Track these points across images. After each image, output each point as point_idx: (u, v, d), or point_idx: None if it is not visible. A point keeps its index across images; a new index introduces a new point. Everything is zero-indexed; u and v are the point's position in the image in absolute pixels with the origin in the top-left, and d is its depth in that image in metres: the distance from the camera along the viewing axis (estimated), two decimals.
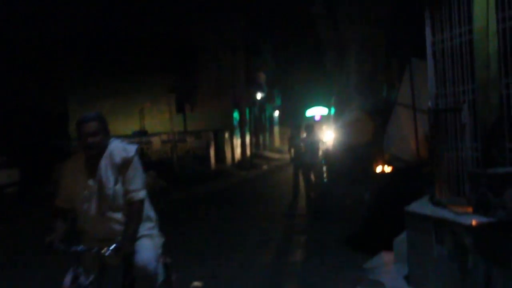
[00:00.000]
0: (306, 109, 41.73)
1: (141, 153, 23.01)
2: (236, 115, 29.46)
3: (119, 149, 3.55)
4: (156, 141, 24.14)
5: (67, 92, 24.70)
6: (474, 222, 3.85)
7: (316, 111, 41.23)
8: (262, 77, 35.09)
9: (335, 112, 11.73)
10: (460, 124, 4.28)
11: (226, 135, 27.02)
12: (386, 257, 6.29)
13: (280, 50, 35.99)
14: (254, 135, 34.06)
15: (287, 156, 34.10)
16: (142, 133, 24.74)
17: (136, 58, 24.56)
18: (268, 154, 35.20)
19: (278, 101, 42.82)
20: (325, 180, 11.71)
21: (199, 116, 26.65)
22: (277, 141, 43.32)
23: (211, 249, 8.59)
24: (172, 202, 16.00)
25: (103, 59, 24.75)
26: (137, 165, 3.58)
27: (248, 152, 30.56)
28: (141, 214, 3.57)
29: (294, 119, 39.58)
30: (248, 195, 16.83)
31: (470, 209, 4.19)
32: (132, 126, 25.30)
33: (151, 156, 23.69)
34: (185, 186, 19.44)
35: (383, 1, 9.50)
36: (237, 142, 29.24)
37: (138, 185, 3.55)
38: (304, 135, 12.78)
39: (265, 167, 28.00)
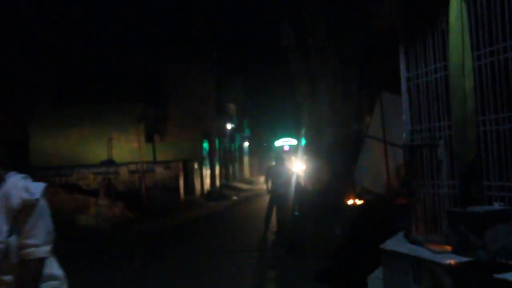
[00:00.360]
0: (275, 139, 42.32)
1: (108, 184, 22.55)
2: (205, 145, 29.26)
3: (19, 188, 2.62)
4: (124, 171, 23.68)
5: (29, 118, 24.15)
6: (453, 262, 3.74)
7: (284, 142, 41.84)
8: (232, 107, 35.14)
9: (306, 144, 11.68)
10: (436, 160, 4.22)
11: (196, 165, 26.74)
12: None
13: (251, 81, 36.21)
14: (223, 165, 33.88)
15: (257, 187, 34.22)
16: (110, 162, 24.29)
17: (105, 86, 24.30)
18: (238, 184, 34.97)
19: (247, 132, 42.85)
20: (296, 213, 11.56)
21: (168, 146, 26.39)
22: (246, 172, 43.16)
23: (177, 285, 8.30)
24: (139, 234, 15.65)
25: (70, 87, 24.41)
26: (42, 212, 2.65)
27: (217, 182, 30.30)
28: (38, 277, 2.62)
29: (263, 149, 39.70)
30: (217, 227, 16.53)
31: (448, 248, 4.10)
32: (100, 155, 24.85)
33: (118, 186, 23.20)
34: (153, 218, 19.06)
35: (354, 36, 9.56)
36: (207, 172, 28.96)
37: (40, 238, 2.61)
38: (274, 165, 12.91)
39: (235, 198, 27.73)
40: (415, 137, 4.51)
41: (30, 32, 22.19)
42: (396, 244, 4.66)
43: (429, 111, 4.31)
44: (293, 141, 40.67)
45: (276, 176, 12.76)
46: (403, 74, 4.61)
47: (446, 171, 4.15)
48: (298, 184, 12.32)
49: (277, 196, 12.45)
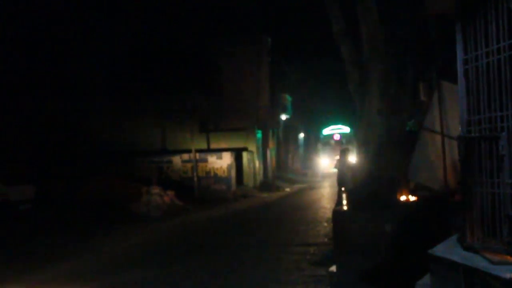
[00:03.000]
0: (324, 127, 40.95)
1: (161, 172, 22.69)
2: (259, 135, 28.97)
3: None
4: (177, 161, 23.79)
5: (90, 108, 24.55)
6: None
7: (334, 130, 40.24)
8: (286, 98, 34.63)
9: (357, 135, 11.18)
10: (497, 155, 3.64)
11: (249, 156, 26.52)
12: None
13: (304, 71, 35.50)
14: (277, 156, 33.53)
15: (311, 179, 33.82)
16: (164, 151, 24.49)
17: (160, 77, 24.42)
18: (292, 176, 34.53)
19: (300, 123, 42.22)
20: (345, 207, 11.05)
21: (221, 136, 26.29)
22: (301, 163, 42.59)
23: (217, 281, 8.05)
24: (188, 223, 15.60)
25: (127, 77, 24.63)
26: None
27: (270, 173, 29.98)
28: None
29: (316, 140, 38.94)
30: (268, 219, 16.24)
31: (509, 258, 3.54)
32: (154, 144, 25.07)
33: (171, 175, 23.34)
34: (204, 207, 19.04)
35: (409, 20, 8.92)
36: (260, 163, 28.69)
37: None
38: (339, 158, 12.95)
39: (287, 189, 27.36)
40: (472, 129, 3.93)
41: (88, 25, 22.53)
42: (448, 250, 4.11)
43: (490, 99, 3.72)
44: (346, 129, 39.15)
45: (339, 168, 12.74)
46: (459, 56, 4.03)
47: (509, 168, 3.57)
48: (342, 174, 12.00)
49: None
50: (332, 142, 38.60)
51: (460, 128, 4.09)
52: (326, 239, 11.36)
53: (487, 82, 3.77)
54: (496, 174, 3.68)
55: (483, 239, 3.82)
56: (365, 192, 9.89)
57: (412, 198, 9.31)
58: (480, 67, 3.82)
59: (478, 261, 3.65)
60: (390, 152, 9.38)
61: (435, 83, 9.49)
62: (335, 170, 13.70)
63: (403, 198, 9.39)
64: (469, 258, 3.76)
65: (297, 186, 29.15)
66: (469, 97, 3.93)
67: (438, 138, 8.67)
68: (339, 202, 12.12)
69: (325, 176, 33.28)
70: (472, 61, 3.92)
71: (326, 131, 40.94)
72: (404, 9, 8.85)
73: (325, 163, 38.66)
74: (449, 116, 8.48)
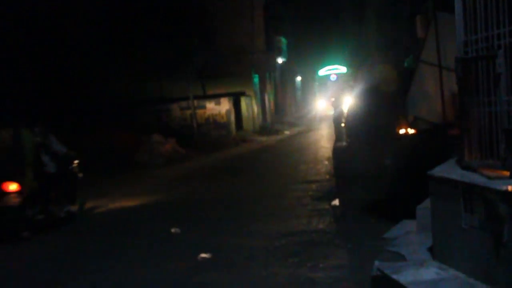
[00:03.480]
0: (320, 68, 39.98)
1: (159, 120, 22.72)
2: (256, 80, 28.81)
3: None
4: (175, 108, 23.76)
5: (86, 62, 24.22)
6: (511, 188, 3.30)
7: (330, 70, 39.26)
8: (281, 41, 34.21)
9: (353, 71, 11.16)
10: (494, 74, 3.67)
11: (247, 100, 26.47)
12: (408, 226, 5.79)
13: (298, 12, 34.78)
14: (275, 100, 33.48)
15: (309, 122, 33.84)
16: (162, 99, 24.38)
17: (154, 23, 23.97)
18: (290, 119, 34.58)
19: (297, 66, 41.84)
20: (344, 143, 11.18)
21: (218, 82, 26.08)
22: (299, 106, 42.54)
23: (224, 219, 8.27)
24: (190, 169, 15.80)
25: (120, 28, 24.19)
26: None
27: (269, 117, 30.03)
28: None
29: (313, 82, 38.54)
30: (269, 160, 16.43)
31: (505, 173, 3.64)
32: (152, 92, 24.90)
33: (170, 123, 23.35)
34: (205, 154, 19.21)
35: None
36: (258, 107, 28.68)
37: None
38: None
39: (287, 132, 27.48)
40: (469, 49, 3.95)
41: None
42: (446, 170, 4.21)
43: (487, 17, 3.72)
44: (342, 69, 38.23)
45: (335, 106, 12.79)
46: None
47: (505, 86, 3.61)
48: (339, 112, 12.06)
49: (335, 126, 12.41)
50: (329, 82, 37.79)
51: (456, 49, 4.11)
52: (327, 176, 11.54)
53: (484, 1, 3.76)
54: (493, 93, 3.73)
55: (481, 158, 3.91)
56: (364, 127, 9.98)
57: (411, 131, 9.39)
58: None
59: (476, 178, 3.75)
60: (388, 86, 9.39)
61: (432, 14, 9.38)
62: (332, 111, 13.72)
63: (402, 131, 9.48)
64: (467, 176, 3.86)
65: (296, 129, 29.26)
66: (466, 17, 3.93)
67: (436, 70, 8.65)
68: (337, 139, 12.20)
69: (323, 118, 33.16)
70: None
71: (322, 72, 39.47)
72: None
73: (322, 104, 37.73)
74: (446, 48, 8.41)
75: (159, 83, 25.20)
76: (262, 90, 29.58)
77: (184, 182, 13.10)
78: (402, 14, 9.81)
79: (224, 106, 23.50)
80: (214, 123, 23.49)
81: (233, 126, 23.80)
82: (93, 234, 8.26)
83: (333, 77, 37.84)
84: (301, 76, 42.74)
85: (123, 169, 15.89)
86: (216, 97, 24.01)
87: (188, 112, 23.27)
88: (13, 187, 8.11)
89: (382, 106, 9.51)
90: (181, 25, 24.01)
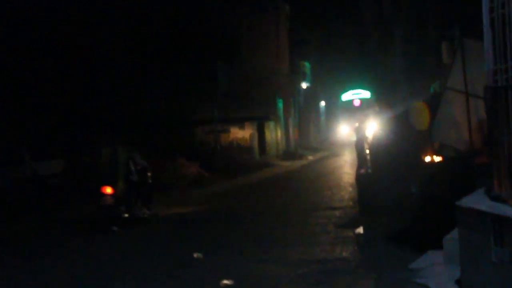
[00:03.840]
0: (343, 92, 37.90)
1: (183, 142, 22.82)
2: (280, 104, 28.87)
3: None
4: (199, 131, 23.88)
5: (112, 81, 24.55)
6: None
7: (354, 95, 37.14)
8: (306, 66, 34.29)
9: (379, 98, 11.09)
10: None
11: (270, 125, 26.50)
12: (435, 257, 5.65)
13: (323, 37, 34.71)
14: (299, 125, 33.44)
15: (333, 147, 33.61)
16: (187, 122, 24.47)
17: (180, 45, 24.23)
18: (313, 144, 34.47)
19: (320, 91, 41.69)
20: (369, 170, 11.04)
21: (242, 104, 26.16)
22: (323, 131, 42.38)
23: (249, 243, 8.21)
24: (212, 192, 15.80)
25: (148, 48, 24.51)
26: None
27: (292, 142, 29.97)
28: None
29: (334, 106, 37.91)
30: (293, 185, 16.35)
31: None
32: (176, 114, 24.97)
33: (194, 146, 23.43)
34: (228, 177, 19.20)
35: None
36: (282, 132, 28.67)
37: None
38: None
39: (310, 157, 27.36)
40: (499, 78, 3.89)
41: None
42: (475, 201, 4.11)
43: None
44: (366, 93, 36.02)
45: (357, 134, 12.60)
46: (485, 5, 3.96)
47: None
48: (361, 138, 11.95)
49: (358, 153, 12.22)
50: (352, 107, 36.91)
51: (486, 78, 4.04)
52: (351, 203, 11.41)
53: None
54: None
55: (511, 189, 3.81)
56: (389, 154, 9.87)
57: (437, 158, 9.25)
58: (507, 14, 3.76)
59: (506, 210, 3.65)
60: (414, 113, 9.30)
61: (458, 41, 9.30)
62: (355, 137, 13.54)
63: (427, 158, 9.34)
64: (497, 207, 3.76)
65: (319, 154, 29.13)
66: (495, 46, 3.87)
67: (463, 97, 8.55)
68: (360, 166, 12.05)
69: (345, 144, 32.76)
70: (498, 8, 3.85)
71: (346, 96, 37.90)
72: None
73: (345, 130, 36.36)
74: (473, 74, 8.34)
75: (183, 104, 25.34)
76: (286, 115, 29.60)
77: (208, 204, 13.13)
78: (428, 39, 9.76)
79: (248, 130, 23.57)
80: (238, 147, 23.53)
81: (256, 150, 23.82)
82: (163, 232, 10.07)
83: (356, 102, 36.90)
84: (325, 101, 42.66)
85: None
86: (240, 121, 24.08)
87: (212, 135, 23.36)
88: (108, 190, 10.61)
89: (407, 133, 9.41)
90: (207, 47, 24.27)
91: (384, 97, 10.48)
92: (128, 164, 11.10)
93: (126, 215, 10.67)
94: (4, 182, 15.57)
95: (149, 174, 11.56)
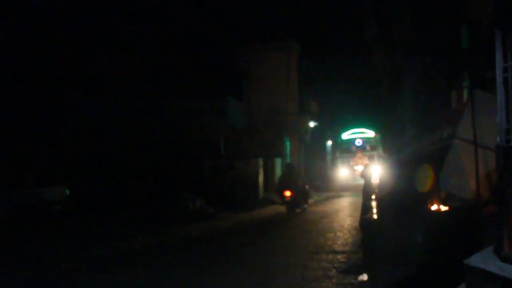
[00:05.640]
0: (344, 131, 35.36)
1: (188, 176, 22.78)
2: (287, 142, 28.91)
3: None
4: (205, 165, 23.84)
5: (119, 111, 24.73)
6: None
7: (355, 134, 34.57)
8: (314, 105, 34.45)
9: (385, 143, 11.07)
10: None
11: (277, 162, 26.48)
12: None
13: (333, 79, 34.65)
14: (305, 163, 33.37)
15: (338, 188, 33.27)
16: (193, 156, 24.48)
17: (189, 82, 24.49)
18: (318, 183, 34.29)
19: (328, 131, 41.62)
20: (374, 216, 10.96)
21: (250, 141, 26.25)
22: (328, 171, 42.24)
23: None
24: (216, 228, 15.72)
25: (157, 80, 24.79)
26: None
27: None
28: None
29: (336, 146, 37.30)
30: (296, 225, 16.22)
31: None
32: (183, 148, 25.00)
33: (199, 180, 23.37)
34: (232, 213, 19.13)
35: (443, 28, 8.83)
36: None
37: None
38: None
39: (315, 196, 27.21)
40: (511, 138, 3.87)
41: (121, 31, 22.85)
42: (484, 260, 4.04)
43: None
44: (369, 133, 33.66)
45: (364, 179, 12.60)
46: (498, 64, 3.97)
47: None
48: (368, 183, 11.87)
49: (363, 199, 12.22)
50: (354, 148, 33.61)
51: (498, 137, 4.03)
52: (354, 248, 11.27)
53: None
54: None
55: None
56: (395, 201, 9.80)
57: (443, 208, 9.17)
58: None
59: None
60: (422, 161, 9.26)
61: (468, 91, 9.34)
62: (361, 180, 13.53)
63: (434, 207, 9.26)
64: (507, 270, 3.69)
65: (324, 194, 28.99)
66: (508, 106, 3.87)
67: (471, 147, 8.51)
68: (365, 211, 11.99)
69: (345, 188, 31.20)
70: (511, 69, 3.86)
71: (346, 135, 35.16)
72: (438, 16, 8.78)
73: (344, 173, 33.93)
74: (482, 125, 8.33)
75: (191, 137, 25.37)
76: (293, 153, 29.60)
77: (211, 243, 13.05)
78: (438, 88, 9.80)
79: (254, 167, 23.53)
80: (243, 183, 23.44)
81: (261, 187, 23.74)
82: None
83: (358, 142, 33.92)
84: (331, 140, 42.69)
85: (150, 222, 15.95)
86: (246, 157, 24.08)
87: (218, 170, 23.33)
88: (287, 193, 19.40)
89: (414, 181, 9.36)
90: (217, 82, 24.50)
91: (389, 140, 10.47)
92: (296, 174, 21.02)
93: (298, 210, 19.29)
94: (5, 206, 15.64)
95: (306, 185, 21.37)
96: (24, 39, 19.48)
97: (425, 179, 8.67)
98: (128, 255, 11.43)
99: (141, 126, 24.79)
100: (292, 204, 19.23)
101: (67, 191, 18.09)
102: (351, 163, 32.15)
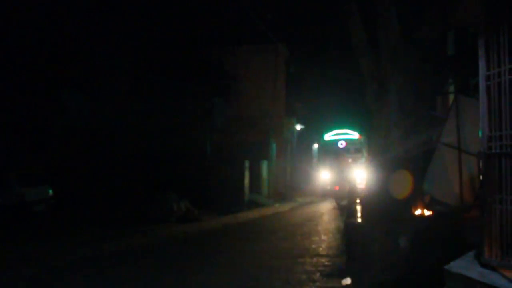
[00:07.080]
0: (326, 132, 33.47)
1: (173, 177, 22.70)
2: (273, 145, 28.93)
3: None
4: (191, 167, 23.75)
5: (105, 112, 24.55)
6: None
7: (339, 135, 32.72)
8: (300, 107, 34.52)
9: (370, 148, 11.12)
10: None
11: (263, 165, 26.48)
12: None
13: (319, 82, 34.61)
14: (291, 166, 33.40)
15: (325, 189, 33.23)
16: (179, 158, 24.42)
17: (175, 84, 24.38)
18: (304, 186, 34.37)
19: (314, 134, 41.72)
20: (359, 220, 11.00)
21: (236, 143, 26.21)
22: (313, 174, 42.35)
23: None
24: (200, 230, 15.65)
25: (144, 82, 24.66)
26: None
27: (283, 183, 29.90)
28: None
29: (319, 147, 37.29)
30: (280, 228, 16.20)
31: None
32: (169, 150, 24.93)
33: (185, 181, 23.28)
34: (217, 215, 19.06)
35: (429, 34, 8.89)
36: (273, 173, 28.63)
37: None
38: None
39: (300, 199, 27.29)
40: (493, 145, 3.91)
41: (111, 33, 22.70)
42: (465, 266, 4.07)
43: None
44: (354, 134, 31.62)
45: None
46: (482, 72, 4.01)
47: None
48: (353, 187, 11.93)
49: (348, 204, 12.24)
50: (336, 149, 31.65)
51: (480, 144, 4.07)
52: (339, 251, 11.29)
53: (510, 98, 3.75)
54: None
55: (502, 257, 3.78)
56: (379, 206, 9.84)
57: (427, 212, 9.23)
58: (503, 84, 3.81)
59: (496, 279, 3.61)
60: (406, 166, 9.31)
61: (453, 97, 9.41)
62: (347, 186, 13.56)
63: (418, 212, 9.32)
64: (486, 276, 3.72)
65: (309, 198, 29.05)
66: (490, 113, 3.91)
67: (455, 152, 8.61)
68: (350, 215, 12.07)
69: (326, 195, 29.21)
70: (494, 77, 3.90)
71: (328, 136, 33.09)
72: (424, 22, 8.84)
73: (326, 176, 31.26)
74: (466, 130, 8.42)
75: (175, 139, 25.30)
76: (279, 156, 29.62)
77: (195, 245, 12.99)
78: (423, 93, 9.85)
79: (240, 169, 23.49)
80: (228, 185, 23.40)
81: (247, 190, 23.72)
82: None
83: (341, 144, 31.98)
84: (317, 143, 42.80)
85: (134, 223, 15.87)
86: (232, 159, 24.04)
87: (203, 171, 23.26)
88: None
89: (398, 185, 9.40)
90: (204, 82, 24.42)
91: (375, 143, 10.50)
92: None
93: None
94: None
95: None
96: (10, 38, 19.29)
97: (403, 185, 8.73)
98: (111, 256, 11.36)
99: (126, 127, 24.65)
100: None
101: (51, 191, 17.93)
102: (333, 165, 30.45)
